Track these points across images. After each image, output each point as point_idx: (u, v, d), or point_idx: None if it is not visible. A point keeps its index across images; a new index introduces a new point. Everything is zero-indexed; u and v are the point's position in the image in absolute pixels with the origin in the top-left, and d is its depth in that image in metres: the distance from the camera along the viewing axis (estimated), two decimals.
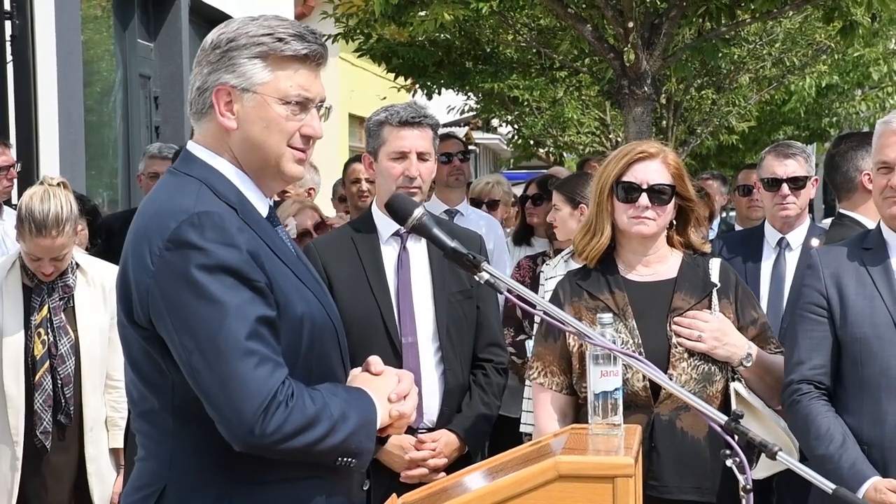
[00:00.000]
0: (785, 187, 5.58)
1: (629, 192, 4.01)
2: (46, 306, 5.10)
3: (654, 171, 4.02)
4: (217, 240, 2.65)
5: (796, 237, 5.57)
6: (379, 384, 2.88)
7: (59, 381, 5.06)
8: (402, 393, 2.88)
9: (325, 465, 2.74)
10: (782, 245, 5.57)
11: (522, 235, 7.31)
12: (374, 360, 2.95)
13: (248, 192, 2.84)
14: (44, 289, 5.11)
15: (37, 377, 5.05)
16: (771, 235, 5.63)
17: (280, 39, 2.80)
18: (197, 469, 2.72)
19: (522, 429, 5.40)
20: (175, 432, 2.74)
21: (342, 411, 2.72)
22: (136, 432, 2.87)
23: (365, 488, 2.99)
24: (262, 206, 2.87)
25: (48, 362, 5.07)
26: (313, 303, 2.83)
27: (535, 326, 5.39)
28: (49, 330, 5.08)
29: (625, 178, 4.02)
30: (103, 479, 5.24)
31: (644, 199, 4.00)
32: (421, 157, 4.48)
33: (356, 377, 2.92)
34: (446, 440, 4.43)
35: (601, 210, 4.07)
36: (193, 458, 2.73)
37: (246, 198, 2.83)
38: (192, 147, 2.88)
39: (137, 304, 2.72)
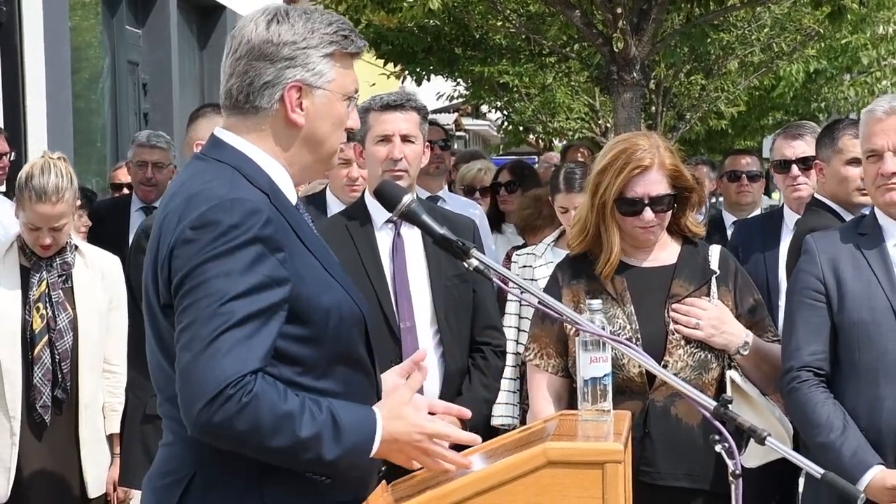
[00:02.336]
0: (794, 168, 5.56)
1: (632, 206, 3.98)
2: (45, 282, 5.11)
3: (653, 182, 3.97)
4: (241, 225, 2.65)
5: None
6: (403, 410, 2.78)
7: (58, 356, 5.07)
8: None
9: None
10: None
11: (494, 222, 7.26)
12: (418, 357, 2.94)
13: (280, 180, 2.84)
14: (42, 265, 5.12)
15: (36, 351, 5.05)
16: (790, 218, 5.56)
17: (345, 37, 2.83)
18: (226, 453, 2.69)
19: (494, 421, 5.32)
20: None
21: (316, 433, 2.63)
22: (162, 416, 2.85)
23: (380, 474, 2.98)
24: (291, 195, 2.88)
25: (47, 336, 5.08)
26: (340, 293, 2.82)
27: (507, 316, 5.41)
28: (48, 304, 5.10)
29: (626, 195, 3.97)
30: (97, 462, 5.24)
31: (648, 213, 3.97)
32: (406, 139, 4.48)
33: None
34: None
35: (608, 226, 4.01)
36: None
37: (277, 186, 2.83)
38: (223, 134, 2.87)
39: (162, 288, 2.72)
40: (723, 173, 7.48)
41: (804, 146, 5.57)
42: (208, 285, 2.62)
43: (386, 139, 4.48)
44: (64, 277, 5.16)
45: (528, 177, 7.38)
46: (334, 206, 5.44)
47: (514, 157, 17.74)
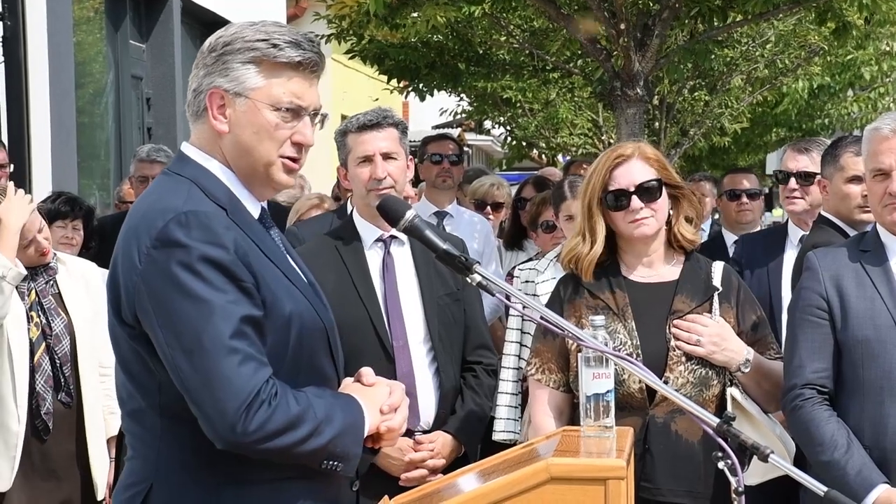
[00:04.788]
0: (793, 181, 5.55)
1: (619, 199, 4.00)
2: (34, 291, 5.15)
3: (636, 170, 4.00)
4: (203, 238, 2.67)
5: None
6: (370, 394, 2.87)
7: (58, 361, 5.09)
8: (393, 405, 2.88)
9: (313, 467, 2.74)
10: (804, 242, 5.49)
11: (515, 239, 7.19)
12: (366, 372, 2.95)
13: (240, 193, 2.86)
14: (27, 276, 5.14)
15: (35, 359, 5.07)
16: (793, 233, 5.56)
17: (275, 45, 2.81)
18: (184, 468, 2.73)
19: (497, 436, 5.31)
20: (162, 432, 2.75)
21: (326, 413, 2.71)
22: (125, 432, 2.89)
23: (355, 488, 2.98)
24: (253, 208, 2.89)
25: (44, 343, 5.10)
26: (302, 303, 2.83)
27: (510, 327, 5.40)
28: (41, 312, 5.12)
29: (611, 187, 4.00)
30: (102, 464, 5.24)
31: (636, 201, 3.98)
32: (387, 157, 4.48)
33: (347, 387, 2.92)
34: (443, 441, 4.43)
35: (592, 221, 4.04)
36: (180, 458, 2.74)
37: (237, 199, 2.84)
38: (186, 148, 2.90)
39: (125, 302, 2.74)
40: (722, 192, 7.47)
41: (807, 161, 5.55)
42: (189, 301, 2.64)
43: (367, 159, 4.48)
44: (51, 283, 5.20)
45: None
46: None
47: (518, 171, 17.74)
